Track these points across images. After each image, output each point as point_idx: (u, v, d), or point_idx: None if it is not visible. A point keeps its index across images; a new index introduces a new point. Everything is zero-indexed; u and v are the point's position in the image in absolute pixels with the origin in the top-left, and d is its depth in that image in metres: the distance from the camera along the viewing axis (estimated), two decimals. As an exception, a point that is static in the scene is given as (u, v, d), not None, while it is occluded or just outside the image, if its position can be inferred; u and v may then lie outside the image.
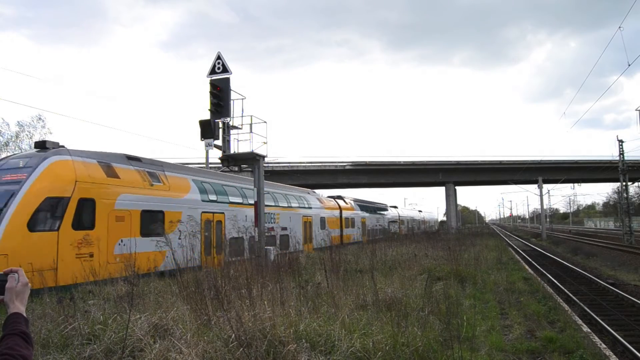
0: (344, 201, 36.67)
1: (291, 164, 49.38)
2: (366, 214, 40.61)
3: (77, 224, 12.50)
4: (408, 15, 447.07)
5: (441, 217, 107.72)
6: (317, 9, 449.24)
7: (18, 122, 39.92)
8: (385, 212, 48.41)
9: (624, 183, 37.20)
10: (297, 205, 27.38)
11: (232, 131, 15.61)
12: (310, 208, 29.33)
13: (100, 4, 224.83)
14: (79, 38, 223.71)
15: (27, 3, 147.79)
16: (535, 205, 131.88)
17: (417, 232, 47.30)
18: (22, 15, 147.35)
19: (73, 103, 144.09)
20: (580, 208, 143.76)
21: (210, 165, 26.51)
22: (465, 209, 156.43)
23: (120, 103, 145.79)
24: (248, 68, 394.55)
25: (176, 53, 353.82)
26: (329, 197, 35.74)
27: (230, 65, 15.40)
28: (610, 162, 43.70)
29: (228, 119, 15.38)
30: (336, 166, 51.85)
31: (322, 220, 30.57)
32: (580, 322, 9.91)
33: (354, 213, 37.51)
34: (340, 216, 34.16)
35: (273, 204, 24.10)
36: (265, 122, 16.13)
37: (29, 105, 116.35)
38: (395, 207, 57.22)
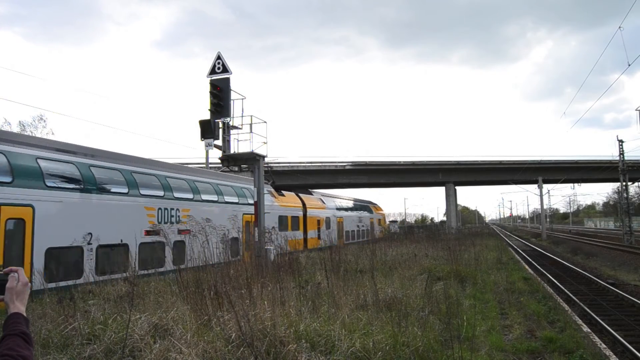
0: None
1: (291, 164, 49.35)
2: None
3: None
4: (406, 12, 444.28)
5: (441, 217, 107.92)
6: (314, 6, 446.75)
7: (20, 122, 39.99)
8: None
9: (624, 183, 37.22)
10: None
11: (232, 131, 15.58)
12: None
13: (94, 1, 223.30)
14: (73, 36, 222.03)
15: (20, 1, 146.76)
16: (535, 205, 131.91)
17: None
18: (15, 13, 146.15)
19: (71, 102, 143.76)
20: (580, 208, 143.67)
21: (210, 165, 26.49)
22: (465, 209, 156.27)
23: (118, 102, 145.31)
24: (245, 67, 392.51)
25: (171, 51, 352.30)
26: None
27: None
28: (610, 162, 43.65)
29: (228, 119, 15.34)
30: (336, 166, 51.82)
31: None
32: (580, 322, 9.92)
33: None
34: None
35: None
36: (265, 122, 16.13)
37: (29, 105, 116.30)
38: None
